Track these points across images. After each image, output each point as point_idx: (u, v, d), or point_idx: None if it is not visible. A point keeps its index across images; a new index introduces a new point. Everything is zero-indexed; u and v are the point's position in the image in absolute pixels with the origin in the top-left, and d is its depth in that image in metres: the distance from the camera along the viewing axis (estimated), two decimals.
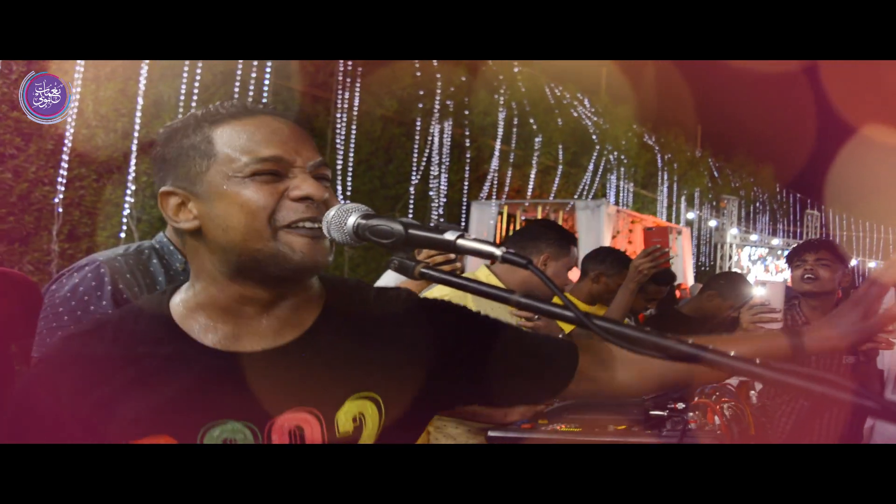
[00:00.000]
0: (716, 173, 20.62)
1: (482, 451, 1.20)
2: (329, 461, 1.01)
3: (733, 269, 18.22)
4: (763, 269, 18.49)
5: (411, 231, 0.90)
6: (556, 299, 0.85)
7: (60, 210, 5.73)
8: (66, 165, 5.63)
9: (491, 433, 2.25)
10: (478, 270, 2.95)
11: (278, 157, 1.04)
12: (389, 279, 3.83)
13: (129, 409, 1.01)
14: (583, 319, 0.77)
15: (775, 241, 20.47)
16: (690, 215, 18.28)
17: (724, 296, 3.99)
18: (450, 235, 0.87)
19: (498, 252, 0.83)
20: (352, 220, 0.97)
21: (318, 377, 1.08)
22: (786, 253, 3.44)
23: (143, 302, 1.16)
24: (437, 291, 2.72)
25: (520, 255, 0.82)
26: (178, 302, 1.11)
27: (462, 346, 1.19)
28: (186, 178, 1.06)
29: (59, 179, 5.62)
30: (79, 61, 5.54)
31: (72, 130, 5.67)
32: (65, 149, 5.63)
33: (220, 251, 1.05)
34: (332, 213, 1.00)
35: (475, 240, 0.85)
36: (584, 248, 8.04)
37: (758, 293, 2.85)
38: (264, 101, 7.35)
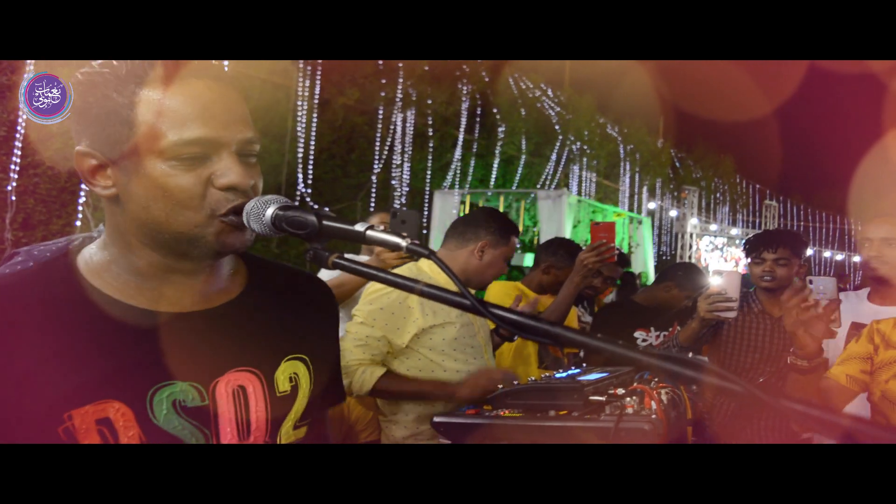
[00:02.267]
0: (677, 164, 20.89)
1: (435, 451, 1.22)
2: (280, 460, 1.02)
3: (692, 259, 18.51)
4: (720, 258, 18.83)
5: (325, 222, 0.93)
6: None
7: (14, 198, 5.64)
8: (18, 153, 5.55)
9: (436, 418, 2.29)
10: (420, 261, 2.98)
11: (205, 139, 0.98)
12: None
13: (67, 378, 0.96)
14: (478, 307, 0.81)
15: (734, 231, 20.84)
16: (652, 205, 18.52)
17: (681, 286, 4.06)
18: (359, 227, 0.90)
19: (403, 243, 0.87)
20: (270, 211, 0.97)
21: (254, 339, 1.10)
22: (742, 242, 3.53)
23: (42, 266, 1.06)
24: (381, 288, 2.75)
25: (422, 245, 0.86)
26: (90, 265, 1.06)
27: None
28: (105, 142, 0.99)
29: (12, 167, 5.53)
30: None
31: (24, 117, 5.58)
32: (17, 136, 5.54)
33: (138, 223, 1.01)
34: (251, 204, 0.99)
35: (382, 231, 0.88)
36: (545, 238, 8.12)
37: (714, 282, 2.93)
38: None
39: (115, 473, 0.94)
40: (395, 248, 0.87)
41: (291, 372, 1.14)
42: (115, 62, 1.01)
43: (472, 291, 1.42)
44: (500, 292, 3.66)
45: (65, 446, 0.95)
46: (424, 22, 1.60)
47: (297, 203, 1.02)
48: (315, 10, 1.58)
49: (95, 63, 1.03)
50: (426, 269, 2.83)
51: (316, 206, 1.03)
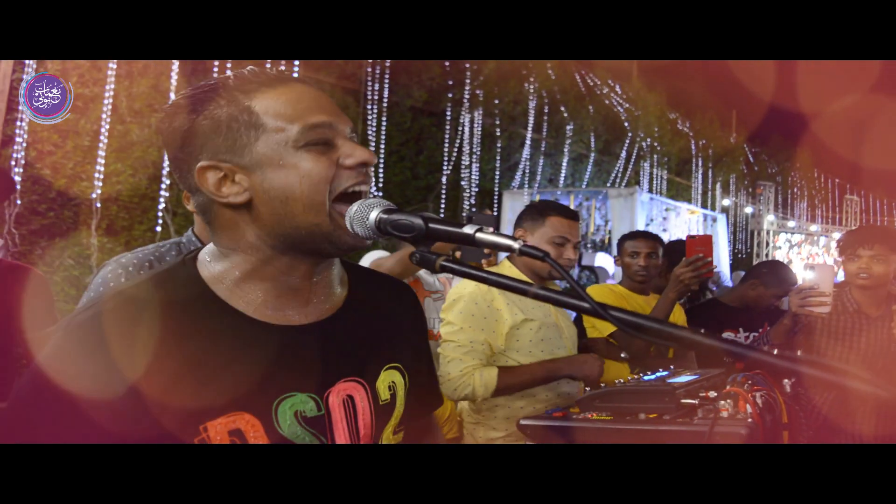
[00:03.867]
0: (751, 159, 20.29)
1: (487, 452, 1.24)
2: (336, 461, 1.03)
3: (769, 256, 17.96)
4: (797, 255, 18.19)
5: (431, 225, 0.92)
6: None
7: (98, 205, 5.84)
8: (102, 161, 5.73)
9: (523, 421, 2.26)
10: (502, 263, 2.96)
11: (328, 122, 1.04)
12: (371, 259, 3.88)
13: (202, 391, 0.98)
14: (598, 310, 0.78)
15: (813, 228, 20.11)
16: (726, 202, 18.03)
17: (767, 284, 3.94)
18: (469, 229, 0.88)
19: (516, 245, 0.84)
20: (373, 215, 0.99)
21: (358, 349, 1.14)
22: (822, 239, 3.41)
23: (168, 274, 1.09)
24: (461, 285, 2.73)
25: (537, 248, 0.83)
26: (216, 275, 1.08)
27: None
28: (230, 150, 1.03)
29: (97, 175, 5.73)
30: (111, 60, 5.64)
31: (107, 127, 5.77)
32: (101, 145, 5.73)
33: (273, 223, 1.04)
34: (354, 207, 1.01)
35: (494, 233, 0.86)
36: (617, 236, 7.98)
37: (807, 276, 2.83)
38: None
39: (247, 474, 0.96)
40: (507, 250, 0.85)
41: (390, 381, 1.17)
42: (209, 81, 1.07)
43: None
44: (597, 294, 3.55)
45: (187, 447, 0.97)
46: (481, 23, 1.58)
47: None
48: (379, 12, 1.57)
49: (190, 88, 1.08)
50: (507, 272, 2.81)
51: None
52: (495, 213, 10.28)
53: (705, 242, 2.96)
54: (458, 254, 2.93)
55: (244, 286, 1.07)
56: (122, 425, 0.94)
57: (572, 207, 9.80)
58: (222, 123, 1.03)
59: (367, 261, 4.11)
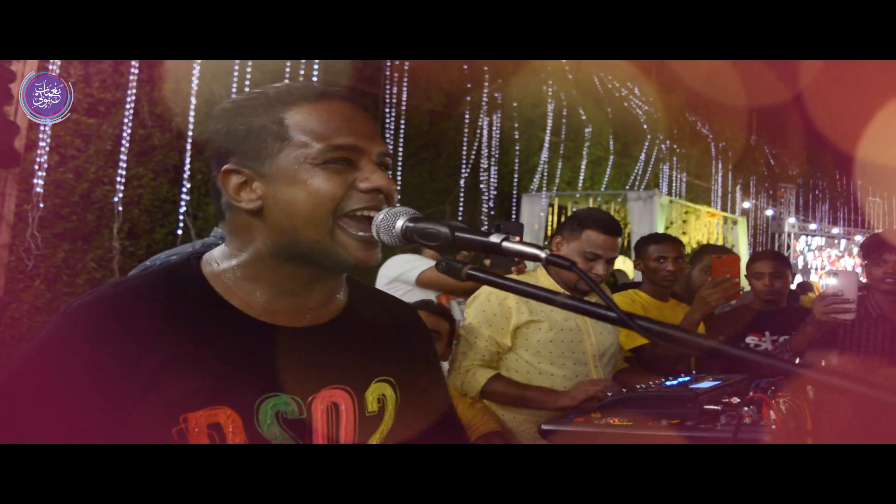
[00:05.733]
0: (772, 161, 20.10)
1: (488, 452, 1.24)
2: (329, 461, 1.03)
3: (791, 259, 17.76)
4: (813, 258, 17.98)
5: (457, 234, 0.92)
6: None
7: (120, 209, 5.89)
8: (124, 165, 5.79)
9: (544, 426, 2.25)
10: (538, 271, 2.97)
11: (352, 145, 1.06)
12: (394, 268, 3.89)
13: (185, 381, 1.00)
14: (625, 319, 0.77)
15: (835, 230, 19.89)
16: (746, 204, 17.87)
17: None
18: (495, 238, 0.88)
19: (542, 255, 0.84)
20: (400, 223, 1.00)
21: (350, 359, 1.15)
22: (843, 242, 3.38)
23: (170, 270, 1.12)
24: (484, 292, 2.74)
25: (563, 257, 0.83)
26: (217, 273, 1.11)
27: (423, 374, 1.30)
28: (255, 157, 1.06)
29: (118, 179, 5.78)
30: (133, 62, 5.69)
31: (129, 131, 5.82)
32: (122, 149, 5.78)
33: (278, 233, 1.07)
34: (380, 216, 1.03)
35: (520, 242, 0.86)
36: (635, 240, 7.92)
37: (830, 283, 2.79)
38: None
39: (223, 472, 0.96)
40: (534, 259, 0.85)
41: (380, 393, 1.17)
42: (261, 88, 1.10)
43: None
44: (621, 303, 3.55)
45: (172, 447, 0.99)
46: (499, 23, 1.57)
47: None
48: (400, 13, 1.58)
49: (243, 93, 1.15)
50: (541, 280, 2.82)
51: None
52: (513, 217, 10.26)
53: (732, 263, 2.91)
54: (487, 262, 2.93)
55: (243, 285, 1.10)
56: (107, 408, 0.97)
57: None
58: (254, 131, 1.06)
59: (399, 262, 4.11)
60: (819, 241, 18.69)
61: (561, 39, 1.59)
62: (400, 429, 1.19)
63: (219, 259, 1.13)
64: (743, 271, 3.74)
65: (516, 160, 10.75)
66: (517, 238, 0.86)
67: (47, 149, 5.23)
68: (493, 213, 9.89)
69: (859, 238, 16.14)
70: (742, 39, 1.58)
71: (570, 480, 0.97)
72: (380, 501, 0.96)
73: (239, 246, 1.12)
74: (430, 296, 3.92)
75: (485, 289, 2.71)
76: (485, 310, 2.69)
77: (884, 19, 1.51)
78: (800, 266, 16.94)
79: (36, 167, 5.17)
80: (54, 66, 5.13)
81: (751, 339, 3.67)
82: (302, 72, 7.30)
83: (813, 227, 19.57)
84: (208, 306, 1.08)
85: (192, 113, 6.27)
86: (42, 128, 5.13)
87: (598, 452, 1.04)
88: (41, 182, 5.19)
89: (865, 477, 0.90)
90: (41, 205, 5.23)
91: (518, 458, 1.01)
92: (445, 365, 2.88)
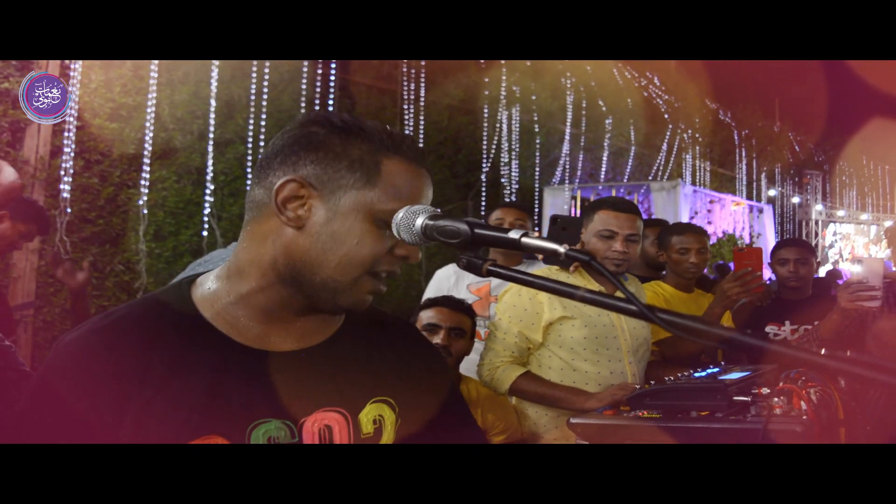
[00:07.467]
0: (797, 147, 19.84)
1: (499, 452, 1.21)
2: (350, 461, 1.03)
3: (818, 247, 17.54)
4: (844, 246, 17.74)
5: (477, 230, 0.92)
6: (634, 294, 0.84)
7: (145, 211, 5.95)
8: (147, 168, 5.85)
9: (573, 419, 2.24)
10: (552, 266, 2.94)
11: None
12: (443, 280, 3.79)
13: (175, 411, 1.00)
14: (645, 312, 0.76)
15: (864, 216, 19.60)
16: (772, 192, 17.67)
17: None
18: (514, 234, 0.88)
19: (561, 249, 0.83)
20: (419, 221, 0.99)
21: (344, 380, 1.13)
22: (874, 228, 3.33)
23: (159, 296, 1.13)
24: (514, 287, 2.73)
25: (582, 251, 0.82)
26: (205, 296, 1.11)
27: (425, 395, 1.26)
28: (329, 181, 1.04)
29: (143, 182, 5.84)
30: (153, 66, 5.74)
31: (151, 134, 5.88)
32: (145, 153, 5.85)
33: (302, 255, 1.05)
34: (400, 214, 1.02)
35: (539, 238, 0.85)
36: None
37: (855, 270, 2.75)
38: (331, 94, 7.45)
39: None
40: (553, 254, 0.84)
41: (376, 414, 1.15)
42: (371, 122, 1.09)
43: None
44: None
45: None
46: (514, 22, 1.56)
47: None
48: (416, 12, 1.57)
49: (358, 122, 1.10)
50: (584, 275, 2.80)
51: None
52: (536, 209, 10.21)
53: (754, 256, 2.86)
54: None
55: (232, 310, 1.09)
56: (97, 439, 0.98)
57: None
58: (343, 156, 1.05)
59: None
60: (848, 228, 18.42)
61: (577, 39, 1.57)
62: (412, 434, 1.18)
63: (212, 281, 1.13)
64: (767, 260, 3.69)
65: (537, 153, 10.70)
66: (535, 234, 0.86)
67: (72, 154, 5.30)
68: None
69: (888, 224, 15.88)
70: (762, 38, 1.55)
71: (567, 481, 0.97)
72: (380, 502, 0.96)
73: (244, 257, 1.10)
74: None
75: (514, 284, 2.69)
76: (515, 305, 2.68)
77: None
78: (830, 258, 16.71)
79: (62, 172, 5.24)
80: (76, 66, 5.19)
81: (770, 329, 3.61)
82: (319, 71, 7.33)
83: (841, 213, 19.30)
84: (196, 334, 1.07)
85: (212, 115, 6.32)
86: (66, 133, 5.20)
87: (598, 453, 1.04)
88: (68, 187, 5.26)
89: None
90: (68, 210, 5.30)
91: (521, 460, 1.01)
92: (468, 359, 2.87)
